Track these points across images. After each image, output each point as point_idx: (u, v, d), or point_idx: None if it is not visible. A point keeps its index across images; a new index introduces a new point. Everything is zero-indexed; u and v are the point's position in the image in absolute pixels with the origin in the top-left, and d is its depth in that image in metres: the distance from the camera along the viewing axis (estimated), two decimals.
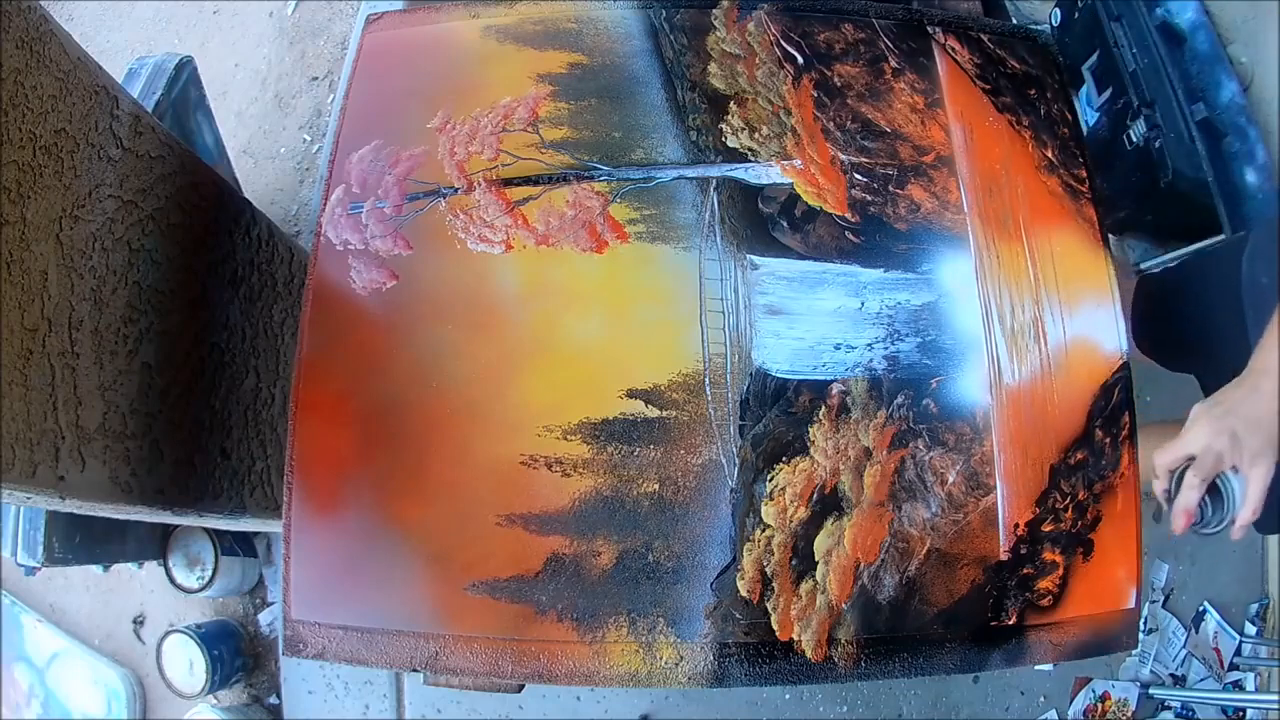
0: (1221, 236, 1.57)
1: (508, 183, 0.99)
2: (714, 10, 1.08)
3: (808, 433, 0.92)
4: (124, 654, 1.77)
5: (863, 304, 0.96)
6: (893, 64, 1.06)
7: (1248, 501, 0.81)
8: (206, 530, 1.64)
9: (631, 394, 0.92)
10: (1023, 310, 0.97)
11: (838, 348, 0.95)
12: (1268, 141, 1.70)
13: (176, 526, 1.66)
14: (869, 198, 1.00)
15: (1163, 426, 1.42)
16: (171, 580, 1.65)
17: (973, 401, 0.95)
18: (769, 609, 0.88)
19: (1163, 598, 1.76)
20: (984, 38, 1.10)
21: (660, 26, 1.07)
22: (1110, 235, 1.05)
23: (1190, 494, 0.82)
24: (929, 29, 1.09)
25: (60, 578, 1.80)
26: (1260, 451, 0.80)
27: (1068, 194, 1.03)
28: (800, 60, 1.05)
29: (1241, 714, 1.73)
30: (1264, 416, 0.81)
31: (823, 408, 0.93)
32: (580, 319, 0.95)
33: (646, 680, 0.88)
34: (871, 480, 0.91)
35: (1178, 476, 0.85)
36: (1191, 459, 0.83)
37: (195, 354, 1.11)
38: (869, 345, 0.95)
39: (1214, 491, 0.83)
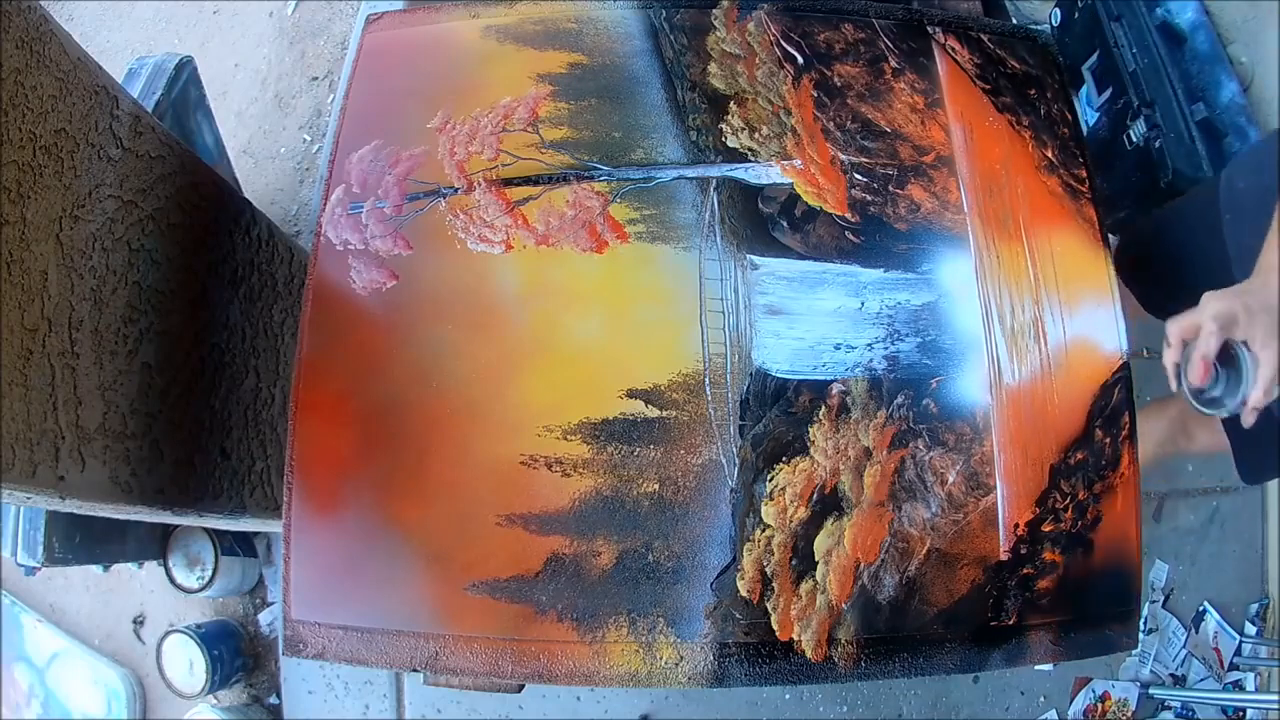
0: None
1: (508, 183, 0.99)
2: (714, 10, 1.08)
3: (808, 433, 0.92)
4: (124, 654, 1.77)
5: (863, 304, 0.96)
6: (893, 64, 1.06)
7: (1260, 379, 0.82)
8: (206, 530, 1.64)
9: (631, 394, 0.92)
10: (1023, 310, 0.97)
11: (838, 348, 0.95)
12: None
13: (176, 526, 1.66)
14: (869, 198, 1.00)
15: (1161, 405, 1.43)
16: (171, 580, 1.65)
17: (973, 401, 0.95)
18: (769, 609, 0.88)
19: (1163, 598, 1.76)
20: (984, 38, 1.10)
21: (660, 26, 1.07)
22: (1110, 235, 1.05)
23: (1210, 341, 0.84)
24: (929, 29, 1.09)
25: (60, 578, 1.80)
26: (1272, 334, 0.82)
27: (1068, 194, 1.03)
28: (800, 60, 1.05)
29: (1241, 714, 1.74)
30: (1275, 303, 0.83)
31: (823, 408, 0.93)
32: (580, 319, 0.95)
33: (646, 680, 0.88)
34: (871, 480, 0.91)
35: (1190, 347, 0.87)
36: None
37: (195, 354, 1.11)
38: (869, 345, 0.95)
39: (1229, 365, 0.85)
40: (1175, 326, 0.88)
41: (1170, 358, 0.89)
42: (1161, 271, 1.23)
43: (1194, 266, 1.14)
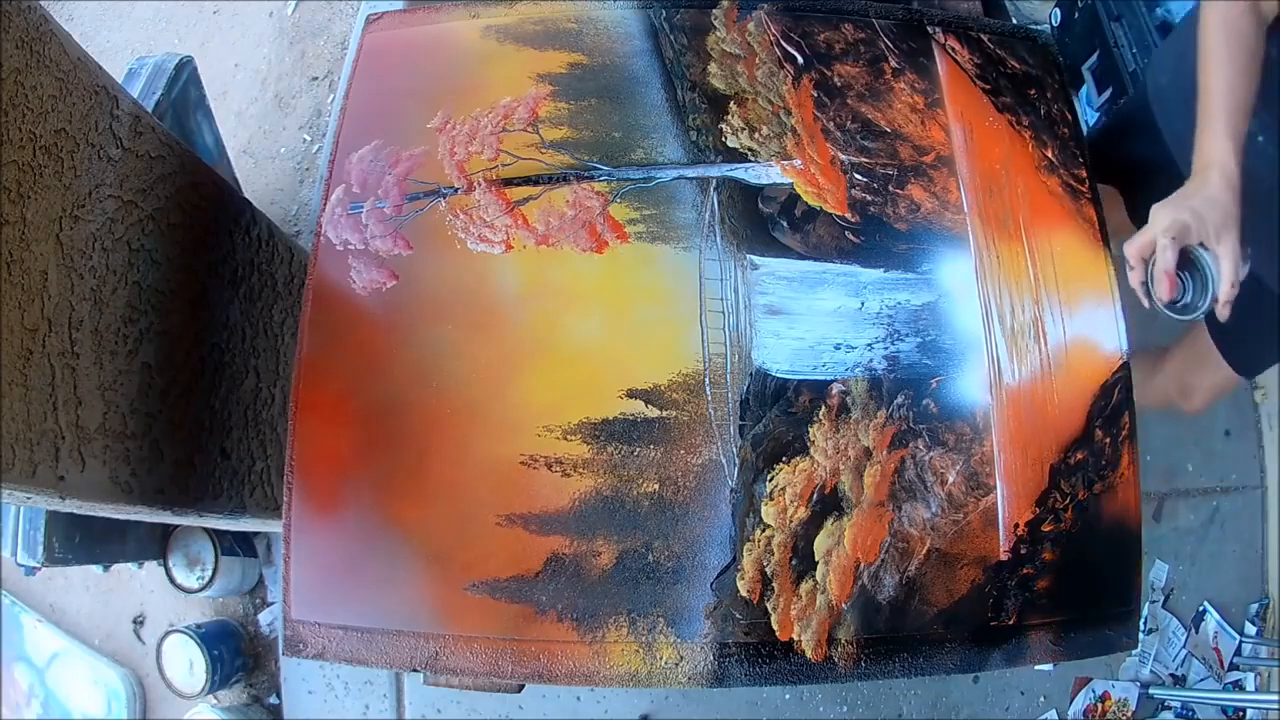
0: None
1: (508, 183, 0.99)
2: (714, 10, 1.08)
3: (808, 433, 0.92)
4: (124, 654, 1.77)
5: (863, 304, 0.96)
6: (893, 64, 1.06)
7: (1224, 274, 0.84)
8: (206, 530, 1.64)
9: (631, 394, 0.92)
10: (1023, 310, 0.97)
11: (838, 348, 0.95)
12: None
13: (176, 526, 1.66)
14: (869, 198, 1.00)
15: (1148, 373, 1.42)
16: (171, 580, 1.65)
17: (973, 401, 0.95)
18: (769, 609, 0.88)
19: (1163, 598, 1.76)
20: (984, 38, 1.10)
21: (660, 26, 1.07)
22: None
23: (1167, 254, 0.85)
24: (929, 29, 1.09)
25: (60, 578, 1.80)
26: (1223, 225, 0.85)
27: (1068, 194, 1.03)
28: (800, 60, 1.05)
29: (1241, 714, 1.74)
30: (1217, 197, 0.85)
31: (823, 408, 0.93)
32: (580, 319, 0.95)
33: (646, 680, 0.88)
34: (871, 480, 0.91)
35: (1151, 264, 0.88)
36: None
37: (195, 354, 1.11)
38: (869, 345, 0.95)
39: (1192, 269, 0.87)
40: (1132, 247, 0.89)
41: (1135, 279, 0.90)
42: (1122, 174, 1.25)
43: (1142, 167, 1.16)
